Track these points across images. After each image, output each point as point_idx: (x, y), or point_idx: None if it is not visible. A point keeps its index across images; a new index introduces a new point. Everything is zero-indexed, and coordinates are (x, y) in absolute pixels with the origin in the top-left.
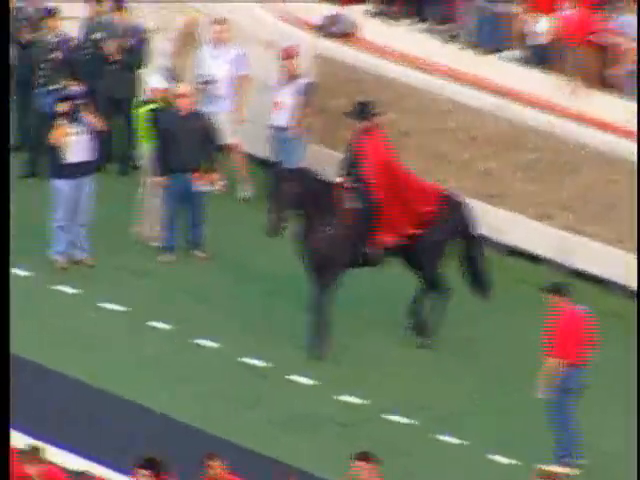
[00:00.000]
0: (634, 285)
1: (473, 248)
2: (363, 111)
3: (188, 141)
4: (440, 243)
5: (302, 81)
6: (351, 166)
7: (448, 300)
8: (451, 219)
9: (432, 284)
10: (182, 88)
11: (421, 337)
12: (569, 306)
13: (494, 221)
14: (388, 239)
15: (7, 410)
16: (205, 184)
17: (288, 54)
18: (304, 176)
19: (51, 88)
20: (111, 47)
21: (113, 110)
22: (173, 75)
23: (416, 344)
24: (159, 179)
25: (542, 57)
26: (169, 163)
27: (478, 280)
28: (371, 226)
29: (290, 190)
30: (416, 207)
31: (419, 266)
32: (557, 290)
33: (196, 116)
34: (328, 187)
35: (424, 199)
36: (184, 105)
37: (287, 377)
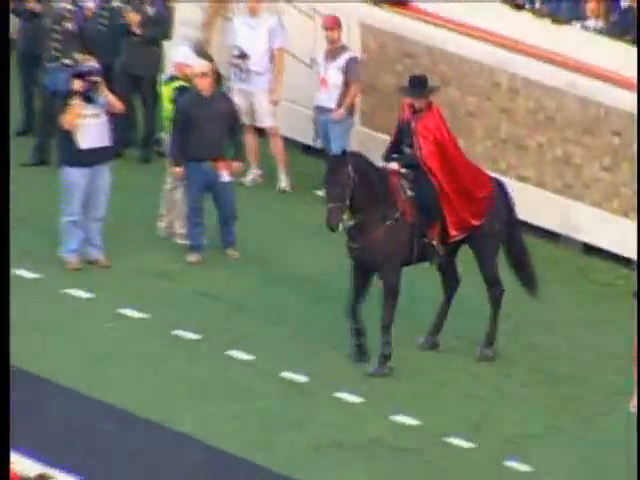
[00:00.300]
0: None
1: (518, 237)
2: (419, 86)
3: (210, 126)
4: (499, 234)
5: (347, 55)
6: (402, 149)
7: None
8: (502, 205)
9: (492, 282)
10: (202, 66)
11: (485, 348)
12: None
13: (571, 215)
14: (453, 232)
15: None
16: (230, 174)
17: (331, 24)
18: (361, 162)
19: (66, 63)
20: (131, 16)
21: (133, 88)
22: (203, 48)
23: (475, 356)
24: (177, 169)
25: (627, 28)
26: (188, 151)
27: (526, 275)
28: (433, 217)
29: (349, 177)
30: (475, 193)
31: (478, 261)
32: None
33: (220, 98)
34: (384, 174)
35: (480, 184)
36: (206, 85)
37: (333, 394)
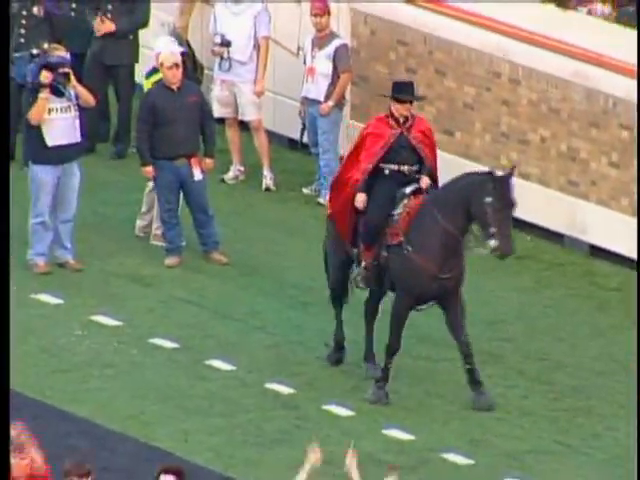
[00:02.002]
0: None
1: None
2: (411, 92)
3: (180, 121)
4: None
5: (336, 43)
6: (384, 169)
7: None
8: None
9: None
10: (172, 56)
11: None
12: None
13: (577, 214)
14: None
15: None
16: (203, 172)
17: (319, 9)
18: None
19: (33, 52)
20: (101, 27)
21: (107, 79)
22: (180, 36)
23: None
24: (147, 169)
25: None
26: (158, 148)
27: None
28: None
29: None
30: None
31: None
32: None
33: (188, 89)
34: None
35: None
36: (175, 77)
37: (321, 407)
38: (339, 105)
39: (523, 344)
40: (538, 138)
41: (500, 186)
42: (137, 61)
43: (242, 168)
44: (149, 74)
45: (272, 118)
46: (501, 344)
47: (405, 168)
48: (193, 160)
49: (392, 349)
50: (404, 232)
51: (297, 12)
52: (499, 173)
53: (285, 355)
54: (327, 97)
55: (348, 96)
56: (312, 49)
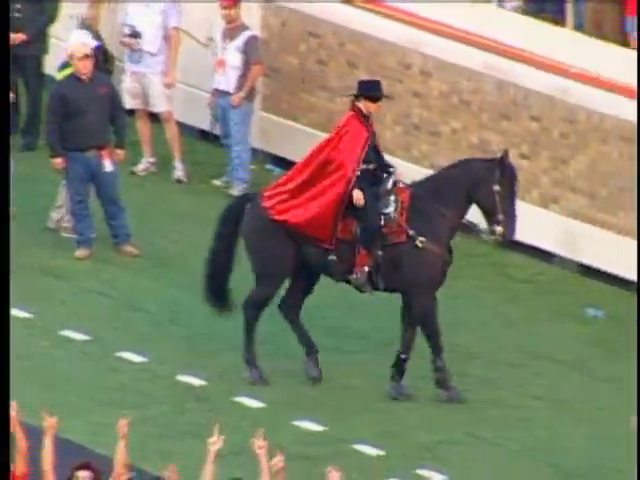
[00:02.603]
0: None
1: None
2: (380, 90)
3: (91, 112)
4: None
5: (246, 34)
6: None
7: None
8: None
9: None
10: (83, 47)
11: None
12: None
13: None
14: None
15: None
16: (114, 163)
17: (229, 1)
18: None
19: None
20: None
21: (16, 70)
22: (90, 27)
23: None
24: (56, 160)
25: (547, 7)
26: (68, 139)
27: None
28: None
29: None
30: None
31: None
32: None
33: (99, 81)
34: None
35: None
36: (86, 68)
37: (232, 399)
38: (250, 97)
39: None
40: (449, 130)
41: (507, 173)
42: (47, 52)
43: (153, 160)
44: (62, 67)
45: (183, 109)
46: None
47: (371, 167)
48: (104, 151)
49: (439, 347)
50: (407, 227)
51: (208, 3)
52: (505, 160)
53: (196, 347)
54: (238, 89)
55: (259, 88)
56: (223, 41)
